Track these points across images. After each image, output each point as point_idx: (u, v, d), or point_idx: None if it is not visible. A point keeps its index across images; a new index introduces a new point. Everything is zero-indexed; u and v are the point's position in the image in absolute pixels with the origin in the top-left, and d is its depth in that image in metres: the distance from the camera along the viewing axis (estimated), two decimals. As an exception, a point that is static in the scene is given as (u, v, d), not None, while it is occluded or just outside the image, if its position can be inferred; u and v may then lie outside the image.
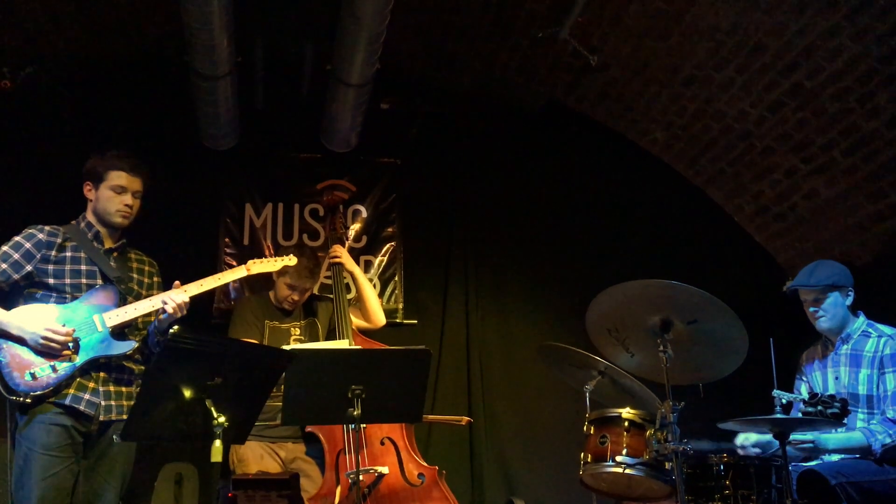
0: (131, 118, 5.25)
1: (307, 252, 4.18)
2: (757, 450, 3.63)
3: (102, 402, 3.28)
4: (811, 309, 3.74)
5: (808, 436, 3.41)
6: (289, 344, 4.13)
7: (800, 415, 3.38)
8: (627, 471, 3.32)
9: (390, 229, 5.58)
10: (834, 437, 3.44)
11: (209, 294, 5.02)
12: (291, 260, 3.89)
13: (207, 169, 5.34)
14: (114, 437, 3.28)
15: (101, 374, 3.31)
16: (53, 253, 3.33)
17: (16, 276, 3.28)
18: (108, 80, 5.34)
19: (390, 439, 3.92)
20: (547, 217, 5.76)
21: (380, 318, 4.42)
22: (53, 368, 3.17)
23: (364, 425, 3.74)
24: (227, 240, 5.35)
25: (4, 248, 3.32)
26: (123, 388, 3.37)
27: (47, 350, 3.16)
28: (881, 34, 4.19)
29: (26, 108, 5.12)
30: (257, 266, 3.76)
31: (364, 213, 5.56)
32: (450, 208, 5.66)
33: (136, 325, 3.47)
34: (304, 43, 5.10)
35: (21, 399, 3.12)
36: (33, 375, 3.13)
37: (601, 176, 5.91)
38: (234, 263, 5.28)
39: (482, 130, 5.79)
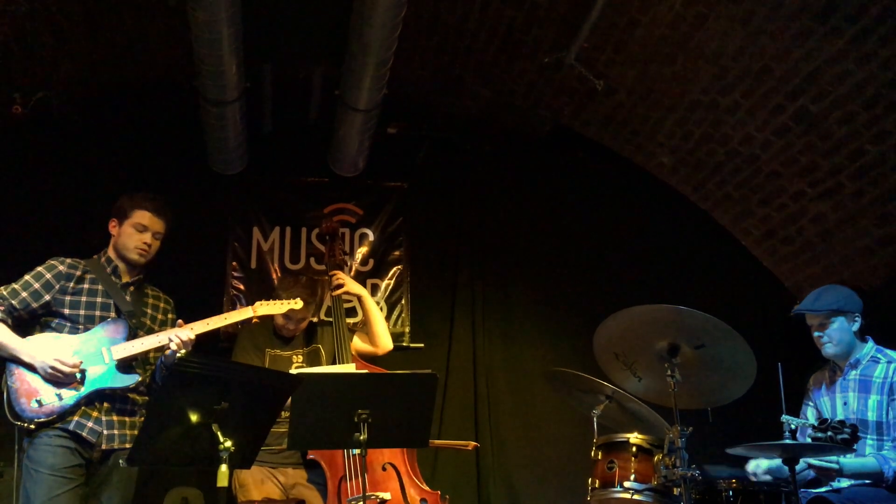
0: (141, 143, 5.30)
1: (302, 281, 4.20)
2: (768, 476, 3.59)
3: (105, 431, 3.34)
4: (816, 334, 3.70)
5: (833, 458, 3.36)
6: (291, 371, 4.13)
7: (808, 440, 3.35)
8: (636, 497, 3.30)
9: (397, 253, 5.59)
10: (850, 462, 3.40)
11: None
12: (297, 304, 3.95)
13: (215, 193, 5.37)
14: (120, 461, 3.32)
15: (105, 405, 3.38)
16: (72, 285, 3.45)
17: (34, 305, 3.39)
18: (118, 106, 5.40)
19: (392, 465, 3.90)
20: (554, 241, 5.76)
21: (386, 343, 4.37)
22: (59, 396, 3.26)
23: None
24: (234, 263, 5.36)
25: (26, 277, 3.44)
26: (127, 418, 3.43)
27: (54, 379, 3.25)
28: (886, 59, 4.20)
29: (37, 134, 5.17)
30: (264, 308, 3.83)
31: (371, 237, 5.58)
32: (457, 232, 5.67)
33: (147, 359, 3.55)
34: (312, 68, 5.15)
35: (25, 425, 3.21)
36: (39, 402, 3.22)
37: (608, 200, 5.91)
38: (242, 287, 5.31)
39: (489, 155, 5.82)
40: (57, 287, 3.42)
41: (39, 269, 3.47)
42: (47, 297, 3.40)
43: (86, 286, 3.48)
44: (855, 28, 4.14)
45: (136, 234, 3.56)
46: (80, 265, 3.52)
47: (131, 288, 3.60)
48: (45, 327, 3.42)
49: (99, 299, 3.49)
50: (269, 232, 5.47)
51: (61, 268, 3.47)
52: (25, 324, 3.40)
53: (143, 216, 3.57)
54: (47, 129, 5.18)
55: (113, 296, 3.51)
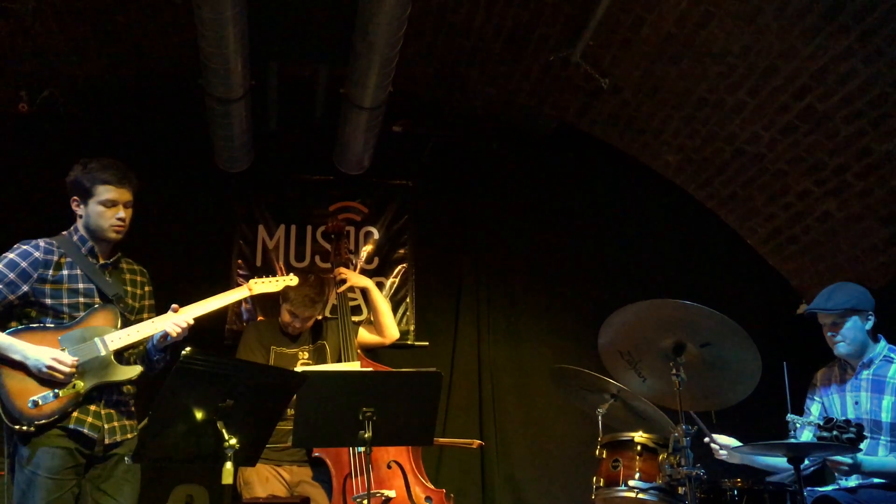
0: (146, 141, 5.31)
1: (311, 280, 4.18)
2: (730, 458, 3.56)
3: (105, 425, 3.19)
4: (829, 333, 3.64)
5: (847, 458, 3.33)
6: (296, 368, 4.13)
7: (813, 438, 3.34)
8: (640, 495, 3.30)
9: (402, 251, 5.59)
10: (868, 460, 3.36)
11: (221, 315, 5.07)
12: (293, 280, 3.87)
13: (221, 191, 5.38)
14: (126, 458, 3.23)
15: (102, 398, 3.21)
16: (51, 272, 3.18)
17: (11, 297, 3.13)
18: (124, 104, 5.41)
19: (397, 463, 3.91)
20: (559, 239, 5.76)
21: (393, 333, 4.47)
22: (56, 396, 3.04)
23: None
24: (239, 261, 5.37)
25: None
26: (123, 409, 3.29)
27: (50, 378, 3.04)
28: (893, 57, 4.19)
29: (43, 131, 5.19)
30: (259, 286, 3.69)
31: (376, 235, 5.58)
32: (461, 230, 5.67)
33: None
34: (317, 67, 5.15)
35: (25, 428, 3.01)
36: (36, 403, 3.00)
37: (613, 199, 5.90)
38: (246, 285, 5.31)
39: (494, 153, 5.81)
40: (35, 276, 3.14)
41: (11, 256, 3.17)
42: (25, 288, 3.13)
43: (65, 272, 3.21)
44: (862, 26, 4.13)
45: (107, 211, 3.26)
46: (55, 247, 3.23)
47: (109, 268, 3.36)
48: (23, 319, 3.17)
49: (81, 285, 3.23)
50: (275, 230, 5.48)
51: (37, 254, 3.18)
52: (1, 317, 3.15)
53: (108, 191, 3.25)
54: (53, 127, 5.19)
55: (94, 279, 3.26)
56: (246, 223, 5.45)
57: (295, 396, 3.02)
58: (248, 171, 5.38)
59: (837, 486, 3.53)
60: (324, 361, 4.26)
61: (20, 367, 3.04)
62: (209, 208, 5.34)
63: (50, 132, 5.20)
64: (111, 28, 4.87)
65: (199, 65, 4.51)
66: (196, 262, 5.18)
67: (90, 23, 4.78)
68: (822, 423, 3.25)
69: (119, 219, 3.29)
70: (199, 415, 2.67)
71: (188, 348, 2.60)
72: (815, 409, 3.77)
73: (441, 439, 4.65)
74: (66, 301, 3.20)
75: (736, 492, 3.37)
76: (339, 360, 4.22)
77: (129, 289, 3.43)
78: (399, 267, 5.56)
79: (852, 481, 3.51)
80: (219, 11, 4.00)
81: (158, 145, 5.31)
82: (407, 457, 3.94)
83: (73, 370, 3.07)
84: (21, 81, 4.94)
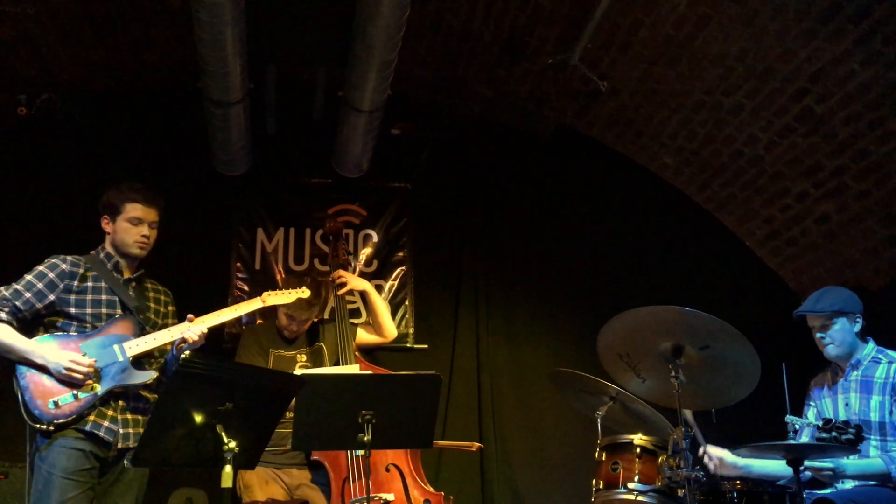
0: (145, 144, 5.32)
1: (307, 282, 4.20)
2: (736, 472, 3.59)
3: (121, 430, 3.32)
4: (818, 335, 3.70)
5: (828, 462, 3.36)
6: (295, 371, 4.14)
7: (812, 440, 3.35)
8: (640, 498, 3.30)
9: (401, 254, 5.59)
10: (852, 464, 3.40)
11: (220, 319, 5.06)
12: (305, 292, 3.93)
13: (220, 194, 5.38)
14: (125, 462, 3.32)
15: (120, 403, 3.36)
16: (76, 283, 3.39)
17: (38, 306, 3.33)
18: (123, 107, 5.41)
19: (395, 466, 3.91)
20: (557, 242, 5.76)
21: (392, 332, 4.50)
22: (75, 397, 3.22)
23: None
24: (238, 265, 5.37)
25: (28, 277, 3.37)
26: (140, 417, 3.42)
27: (69, 380, 3.22)
28: (891, 59, 4.20)
29: (42, 135, 5.19)
30: (272, 298, 3.82)
31: (375, 238, 5.58)
32: (460, 233, 5.67)
33: (151, 353, 3.51)
34: (316, 70, 5.15)
35: (45, 427, 3.17)
36: (56, 404, 3.18)
37: (611, 201, 5.91)
38: (246, 288, 5.31)
39: (492, 155, 5.81)
40: (61, 286, 3.36)
41: (41, 268, 3.40)
42: (52, 297, 3.34)
43: (90, 284, 3.42)
44: (859, 29, 4.13)
45: (133, 228, 3.50)
46: (82, 262, 3.46)
47: (133, 283, 3.57)
48: (49, 328, 3.37)
49: (104, 297, 3.44)
50: (273, 233, 5.48)
51: (64, 266, 3.40)
52: (28, 325, 3.34)
53: (135, 209, 3.50)
54: (52, 131, 5.20)
55: (117, 292, 3.47)
56: (244, 226, 5.45)
57: (294, 399, 3.02)
58: (246, 175, 5.38)
59: (835, 489, 3.54)
60: (321, 364, 4.26)
61: (43, 370, 3.23)
62: (208, 211, 5.34)
63: (48, 136, 5.20)
64: (109, 32, 4.88)
65: (197, 68, 4.51)
66: (195, 266, 5.17)
67: (89, 27, 4.78)
68: (820, 425, 3.26)
69: (143, 236, 3.52)
70: (198, 418, 2.68)
71: (187, 352, 2.61)
72: (811, 414, 3.81)
73: (440, 442, 4.65)
74: (89, 311, 3.40)
75: (735, 494, 3.38)
76: (336, 363, 4.22)
77: (152, 305, 3.63)
78: (398, 270, 5.56)
79: (849, 483, 3.52)
80: (217, 14, 4.00)
81: (157, 148, 5.32)
82: (405, 460, 3.94)
83: (91, 370, 3.23)
84: (20, 85, 4.95)
